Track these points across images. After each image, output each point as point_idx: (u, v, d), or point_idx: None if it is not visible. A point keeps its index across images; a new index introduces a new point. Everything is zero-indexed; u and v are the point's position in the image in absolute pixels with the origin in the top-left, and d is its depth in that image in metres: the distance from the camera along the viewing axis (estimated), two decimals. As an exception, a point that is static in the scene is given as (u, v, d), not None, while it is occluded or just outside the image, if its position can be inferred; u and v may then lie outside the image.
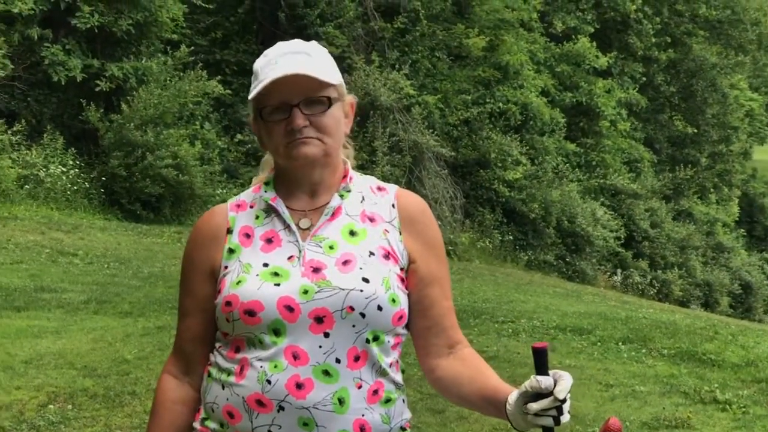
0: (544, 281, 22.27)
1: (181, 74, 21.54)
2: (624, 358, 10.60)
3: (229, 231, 2.59)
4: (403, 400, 2.61)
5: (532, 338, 11.27)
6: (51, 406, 7.16)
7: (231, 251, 2.56)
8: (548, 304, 15.18)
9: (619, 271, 31.01)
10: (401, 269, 2.56)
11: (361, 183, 2.67)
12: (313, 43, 2.64)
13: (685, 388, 9.04)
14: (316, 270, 2.45)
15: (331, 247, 2.50)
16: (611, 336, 11.76)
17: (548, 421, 2.34)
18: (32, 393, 7.49)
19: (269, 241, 2.54)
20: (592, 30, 34.74)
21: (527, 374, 2.41)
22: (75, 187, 19.80)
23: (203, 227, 2.66)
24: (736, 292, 36.54)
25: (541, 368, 2.36)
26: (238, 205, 2.66)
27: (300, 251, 2.50)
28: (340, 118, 2.59)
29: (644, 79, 37.59)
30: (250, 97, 2.57)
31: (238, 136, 23.77)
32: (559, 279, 25.73)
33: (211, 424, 2.54)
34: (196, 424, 2.60)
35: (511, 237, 27.87)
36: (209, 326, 2.60)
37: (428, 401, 7.91)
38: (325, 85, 2.53)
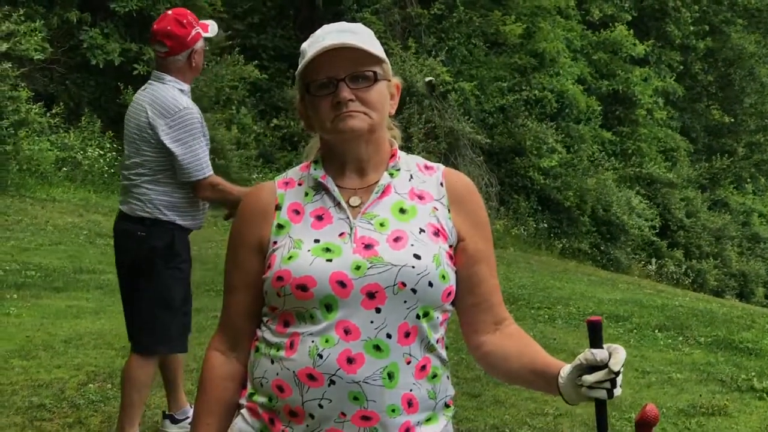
0: (579, 269, 22.23)
1: (218, 59, 21.63)
2: (660, 345, 10.59)
3: (278, 207, 2.61)
4: (448, 377, 2.64)
5: (568, 324, 11.28)
6: (91, 385, 7.21)
7: (280, 227, 2.57)
8: (584, 291, 15.17)
9: (653, 260, 30.86)
10: (450, 246, 2.58)
11: (409, 162, 2.70)
12: (359, 23, 2.66)
13: (722, 376, 9.02)
14: (368, 246, 2.47)
15: (381, 224, 2.52)
16: (647, 323, 11.76)
17: (602, 394, 2.36)
18: (72, 372, 7.56)
19: (320, 218, 2.55)
20: (630, 18, 34.53)
21: (564, 359, 2.44)
22: (112, 170, 19.90)
23: (252, 202, 2.68)
24: (772, 284, 36.33)
25: (596, 341, 2.39)
26: (286, 183, 2.67)
27: (351, 228, 2.51)
28: (385, 95, 2.60)
29: (681, 67, 37.34)
30: (297, 72, 2.59)
31: (274, 121, 23.83)
32: (594, 267, 25.67)
33: (260, 399, 2.55)
34: (243, 401, 2.61)
35: (545, 225, 27.80)
36: (257, 301, 2.61)
37: (464, 386, 7.93)
38: (371, 60, 2.55)
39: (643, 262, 30.47)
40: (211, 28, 5.93)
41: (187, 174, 5.63)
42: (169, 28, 5.73)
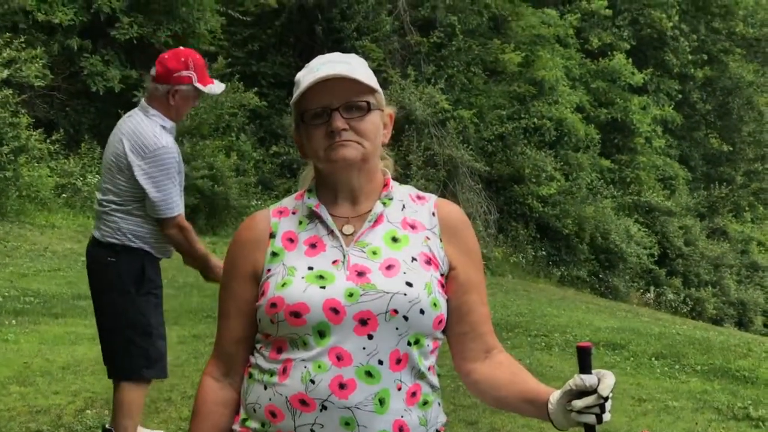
0: (577, 297, 22.23)
1: (218, 86, 21.67)
2: (657, 373, 10.59)
3: (272, 235, 2.64)
4: (439, 404, 2.65)
5: (565, 352, 11.28)
6: (88, 411, 7.21)
7: (274, 255, 2.60)
8: (581, 319, 15.18)
9: (652, 288, 30.88)
10: (442, 275, 2.60)
11: (402, 191, 2.72)
12: (353, 54, 2.70)
13: (718, 405, 9.02)
14: (361, 274, 2.50)
15: (374, 253, 2.55)
16: (644, 351, 11.76)
17: (591, 419, 2.39)
18: (70, 398, 7.56)
19: (313, 245, 2.58)
20: (628, 46, 34.70)
21: (560, 387, 2.46)
22: (111, 197, 19.93)
23: (246, 231, 2.71)
24: (770, 312, 36.31)
25: (585, 367, 2.42)
26: (281, 212, 2.70)
27: (344, 256, 2.54)
28: (378, 125, 2.63)
29: (680, 96, 37.47)
30: (292, 102, 2.62)
31: (274, 147, 23.89)
32: (592, 295, 25.68)
33: (252, 424, 2.57)
34: (236, 426, 2.62)
35: (544, 252, 27.84)
36: (250, 329, 2.64)
37: (461, 413, 7.93)
38: (365, 90, 2.59)
39: (641, 290, 30.49)
40: (214, 86, 5.92)
41: (156, 211, 5.66)
42: (166, 57, 5.79)
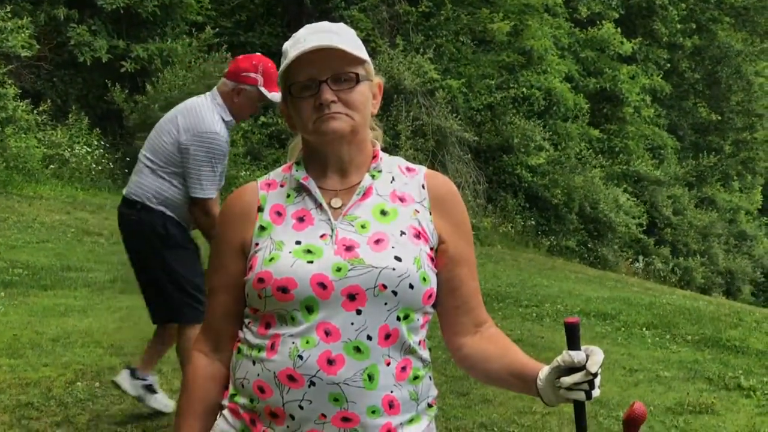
0: (566, 267, 22.26)
1: (206, 56, 21.59)
2: (648, 343, 10.63)
3: (260, 209, 2.61)
4: (430, 378, 2.64)
5: (556, 323, 11.30)
6: (78, 384, 7.21)
7: (262, 228, 2.57)
8: (571, 289, 15.21)
9: (640, 257, 30.97)
10: (431, 249, 2.58)
11: (391, 163, 2.69)
12: (341, 24, 2.65)
13: (709, 374, 9.06)
14: (349, 248, 2.47)
15: (363, 226, 2.52)
16: (635, 321, 11.80)
17: (580, 395, 2.37)
18: (60, 370, 7.55)
19: (301, 219, 2.55)
20: (617, 16, 34.59)
21: (552, 358, 2.44)
22: (100, 168, 19.89)
23: (234, 204, 2.68)
24: (758, 281, 36.49)
25: (574, 343, 2.39)
26: (269, 184, 2.67)
27: (332, 230, 2.51)
28: (368, 96, 2.60)
29: (669, 65, 37.45)
30: (279, 73, 2.58)
31: (262, 118, 23.80)
32: (581, 265, 25.72)
33: (241, 400, 2.56)
34: (225, 401, 2.61)
35: (533, 222, 27.86)
36: (239, 303, 2.61)
37: (453, 384, 7.95)
38: (354, 61, 2.55)
39: (630, 260, 30.57)
40: (274, 95, 6.09)
41: (190, 189, 5.95)
42: (240, 57, 6.19)
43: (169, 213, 6.02)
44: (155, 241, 6.04)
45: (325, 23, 2.62)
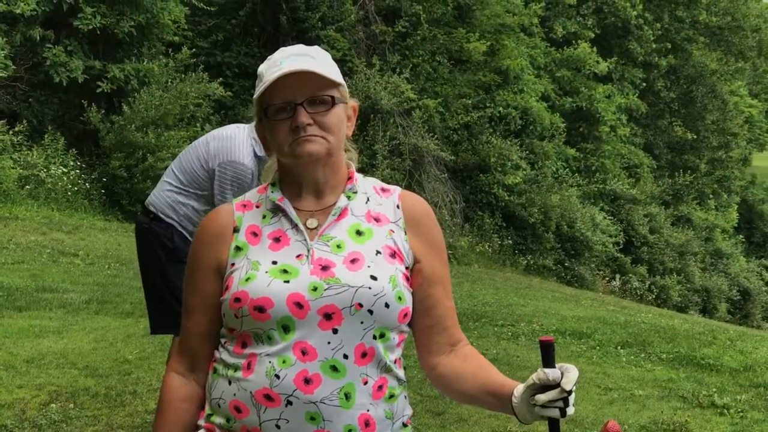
0: (543, 286, 22.29)
1: (183, 76, 21.59)
2: (623, 362, 10.65)
3: (236, 230, 2.63)
4: (405, 397, 2.66)
5: (531, 341, 11.32)
6: (53, 405, 7.17)
7: (238, 249, 2.59)
8: (547, 308, 15.22)
9: (617, 276, 31.05)
10: (406, 268, 2.61)
11: (366, 184, 2.73)
12: (316, 47, 2.69)
13: (684, 393, 9.08)
14: (325, 268, 2.50)
15: (338, 246, 2.55)
16: (610, 340, 11.82)
17: (554, 413, 2.40)
18: (34, 392, 7.51)
19: (277, 239, 2.58)
20: (593, 35, 34.83)
21: (527, 377, 2.46)
22: (76, 188, 19.82)
23: (209, 225, 2.69)
24: (734, 299, 36.60)
25: (548, 361, 2.42)
26: (244, 205, 2.69)
27: (308, 250, 2.54)
28: (342, 119, 2.63)
29: (644, 84, 37.69)
30: (255, 97, 2.62)
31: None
32: (558, 284, 25.76)
33: (217, 420, 2.57)
34: (201, 422, 2.62)
35: (510, 241, 27.91)
36: (215, 324, 2.63)
37: (428, 403, 7.94)
38: (329, 84, 2.58)
39: (607, 278, 30.64)
40: None
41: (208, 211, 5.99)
42: None
43: (179, 228, 6.10)
44: (161, 252, 6.13)
45: (300, 46, 2.66)
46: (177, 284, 6.09)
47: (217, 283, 2.61)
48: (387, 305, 2.49)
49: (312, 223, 2.60)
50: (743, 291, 37.39)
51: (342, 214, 2.62)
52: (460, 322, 2.76)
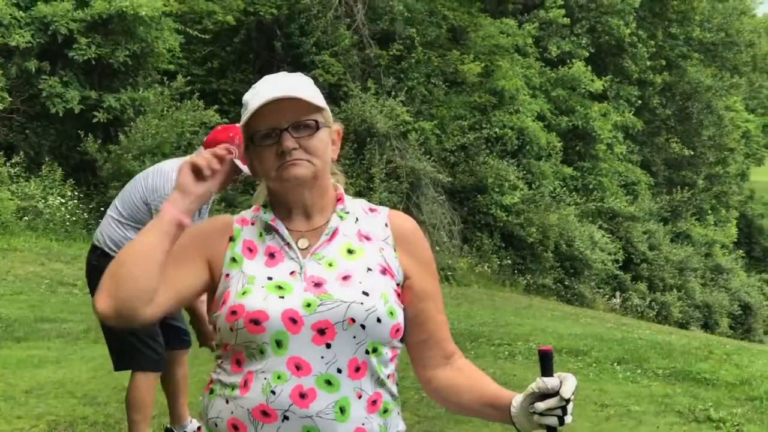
0: (543, 305, 22.29)
1: (178, 104, 21.65)
2: (619, 378, 10.68)
3: (232, 239, 2.69)
4: (398, 412, 2.71)
5: (528, 360, 11.34)
6: (51, 434, 7.22)
7: (233, 260, 2.65)
8: (545, 327, 15.25)
9: (617, 293, 31.03)
10: (397, 284, 2.67)
11: (354, 205, 2.79)
12: (299, 73, 2.76)
13: (680, 407, 9.11)
14: (318, 284, 2.56)
15: (330, 264, 2.61)
16: (607, 357, 11.85)
17: (553, 421, 2.46)
18: (33, 422, 7.53)
19: (272, 255, 2.64)
20: (587, 54, 34.88)
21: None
22: (74, 218, 19.86)
23: (207, 224, 2.77)
24: (735, 314, 36.57)
25: (547, 370, 2.49)
26: (242, 220, 2.76)
27: (301, 267, 2.60)
28: (327, 142, 2.69)
29: (640, 102, 37.74)
30: (240, 124, 2.68)
31: (236, 164, 23.82)
32: (558, 302, 25.76)
33: (214, 439, 2.61)
34: (199, 441, 2.68)
35: (509, 261, 27.91)
36: (174, 302, 2.62)
37: (425, 424, 7.97)
38: (312, 109, 2.64)
39: (607, 296, 30.62)
40: (244, 167, 6.24)
41: None
42: (219, 129, 6.25)
43: None
44: None
45: (283, 74, 2.74)
46: None
47: (199, 274, 2.64)
48: (379, 320, 2.54)
49: (303, 243, 2.65)
50: (744, 306, 37.37)
51: (334, 234, 2.67)
52: (457, 343, 2.81)
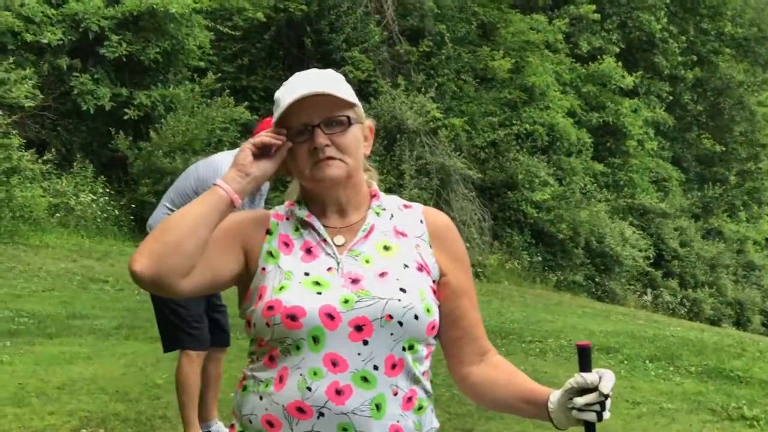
0: (573, 302, 22.25)
1: (209, 101, 21.70)
2: (651, 375, 10.63)
3: (269, 232, 2.68)
4: (432, 410, 2.70)
5: (559, 357, 11.31)
6: (84, 431, 7.23)
7: (270, 254, 2.63)
8: (576, 324, 15.21)
9: (649, 290, 30.91)
10: (433, 281, 2.66)
11: (389, 202, 2.78)
12: (330, 70, 2.75)
13: (713, 405, 9.06)
14: (355, 281, 2.55)
15: (367, 261, 2.60)
16: (638, 354, 11.80)
17: (591, 416, 2.44)
18: (65, 418, 7.57)
19: (308, 251, 2.63)
20: (618, 50, 34.72)
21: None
22: (105, 215, 19.97)
23: (245, 214, 2.75)
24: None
25: (586, 365, 2.48)
26: (278, 215, 2.75)
27: (338, 263, 2.59)
28: (360, 139, 2.68)
29: (671, 98, 37.51)
30: (273, 122, 2.66)
31: (266, 161, 23.82)
32: (589, 299, 25.70)
33: (248, 435, 2.60)
34: (233, 439, 2.66)
35: (539, 258, 27.86)
36: (210, 282, 2.60)
37: (456, 421, 7.96)
38: (344, 105, 2.63)
39: (638, 293, 30.50)
40: None
41: None
42: (267, 119, 6.19)
43: None
44: None
45: (314, 71, 2.72)
46: (177, 302, 6.43)
47: (236, 258, 2.63)
48: (416, 317, 2.53)
49: (339, 240, 2.64)
50: (777, 303, 37.14)
51: (370, 230, 2.67)
52: (488, 340, 2.79)
